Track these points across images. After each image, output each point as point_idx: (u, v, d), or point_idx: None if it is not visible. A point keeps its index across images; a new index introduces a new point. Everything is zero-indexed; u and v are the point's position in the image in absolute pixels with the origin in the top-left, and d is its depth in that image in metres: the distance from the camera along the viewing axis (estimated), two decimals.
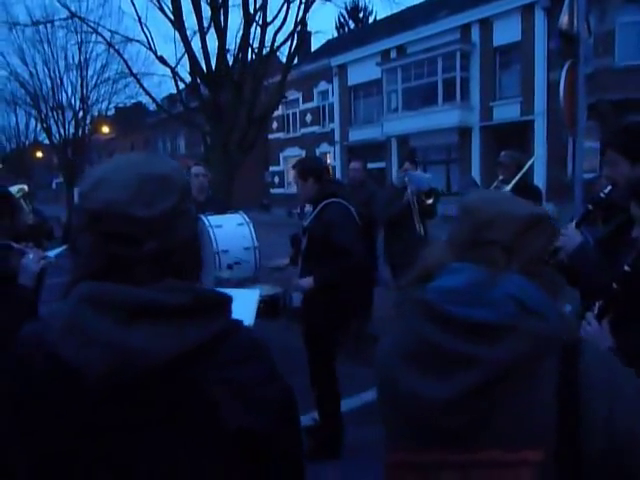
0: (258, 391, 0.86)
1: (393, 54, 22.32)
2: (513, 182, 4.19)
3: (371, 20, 35.58)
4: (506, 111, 18.53)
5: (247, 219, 4.37)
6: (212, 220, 4.21)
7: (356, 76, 24.19)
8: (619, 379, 0.88)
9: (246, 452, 0.86)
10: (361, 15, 37.96)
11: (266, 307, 3.30)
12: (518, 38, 17.91)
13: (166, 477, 0.82)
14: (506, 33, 18.18)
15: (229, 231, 4.19)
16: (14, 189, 4.77)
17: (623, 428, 0.84)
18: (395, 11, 16.95)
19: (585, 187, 4.91)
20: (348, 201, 3.39)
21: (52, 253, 2.17)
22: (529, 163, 4.51)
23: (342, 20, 37.79)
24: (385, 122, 21.92)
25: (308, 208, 3.58)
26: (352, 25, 37.51)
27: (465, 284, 0.94)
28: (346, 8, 35.66)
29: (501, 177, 4.46)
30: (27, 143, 35.82)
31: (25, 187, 4.75)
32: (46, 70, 26.19)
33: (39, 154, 36.33)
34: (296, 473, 0.97)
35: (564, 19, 5.22)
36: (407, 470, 0.97)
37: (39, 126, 29.77)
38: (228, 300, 0.90)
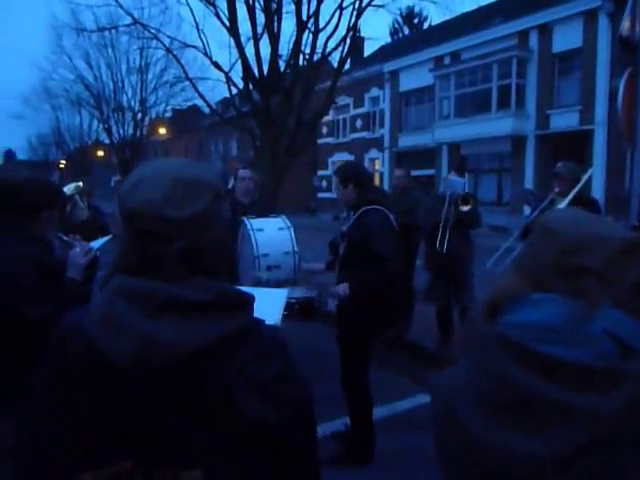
0: (276, 387, 0.90)
1: (447, 60, 22.02)
2: (571, 195, 4.02)
3: (426, 26, 35.23)
4: (564, 120, 17.88)
5: (288, 223, 4.42)
6: (254, 223, 4.29)
7: (408, 82, 24.01)
8: None
9: (261, 447, 0.90)
10: (416, 21, 37.67)
11: (301, 309, 3.33)
12: (579, 44, 17.26)
13: (177, 459, 0.87)
14: (567, 39, 17.56)
15: (270, 235, 4.25)
16: (70, 186, 5.02)
17: None
18: (450, 17, 16.65)
19: None
20: (389, 209, 3.38)
21: (96, 245, 2.25)
22: (587, 175, 4.31)
23: (397, 26, 37.64)
24: (436, 129, 21.64)
25: (344, 214, 3.59)
26: (407, 31, 37.28)
27: (556, 319, 0.81)
28: (401, 14, 35.45)
29: (557, 189, 4.27)
30: (89, 142, 37.73)
31: (80, 184, 4.99)
32: (109, 73, 27.55)
33: (100, 153, 38.13)
34: (310, 471, 1.00)
35: (625, 24, 5.00)
36: None
37: (101, 126, 31.28)
38: (251, 299, 0.95)
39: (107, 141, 31.88)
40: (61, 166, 41.73)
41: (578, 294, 0.83)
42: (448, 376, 0.93)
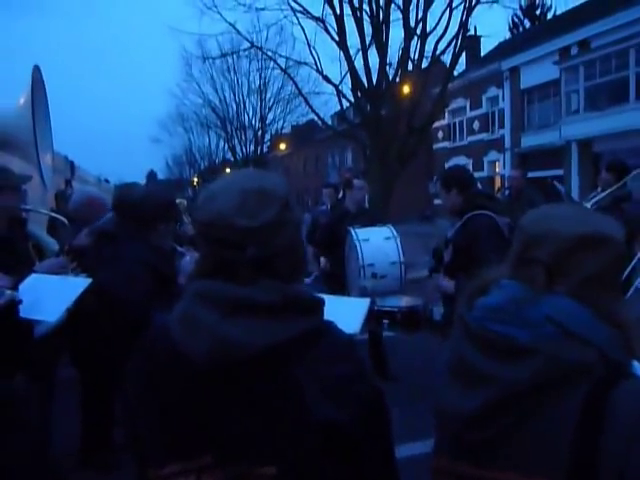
0: (346, 388, 0.92)
1: (574, 50, 20.27)
2: None
3: (549, 17, 32.86)
4: None
5: (395, 233, 4.36)
6: (360, 233, 4.30)
7: (530, 78, 22.51)
8: None
9: (335, 448, 0.91)
10: (538, 13, 35.29)
11: (404, 318, 3.26)
12: None
13: (251, 455, 0.91)
14: None
15: (376, 245, 4.23)
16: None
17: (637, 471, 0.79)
18: (576, 4, 15.33)
19: None
20: (497, 213, 3.19)
21: None
22: None
23: (516, 20, 35.57)
24: (564, 125, 19.97)
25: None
26: (527, 25, 35.07)
27: (503, 301, 0.94)
28: (520, 7, 33.44)
29: None
30: (217, 161, 40.83)
31: (184, 201, 5.42)
32: (232, 95, 29.59)
33: (227, 170, 41.02)
34: (387, 473, 1.00)
35: None
36: (443, 477, 1.01)
37: (226, 145, 33.69)
38: (320, 302, 0.98)
39: (232, 159, 34.24)
40: (194, 184, 45.63)
41: (527, 281, 0.94)
42: (444, 355, 1.05)
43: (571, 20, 20.47)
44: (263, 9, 12.58)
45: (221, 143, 37.36)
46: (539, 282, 0.93)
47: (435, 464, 1.05)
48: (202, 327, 0.91)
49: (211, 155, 41.14)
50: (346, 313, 1.03)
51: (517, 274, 0.98)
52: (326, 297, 1.00)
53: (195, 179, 46.47)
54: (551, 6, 34.54)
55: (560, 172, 20.27)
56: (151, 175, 67.46)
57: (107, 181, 17.30)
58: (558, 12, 28.99)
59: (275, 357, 0.90)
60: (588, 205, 4.35)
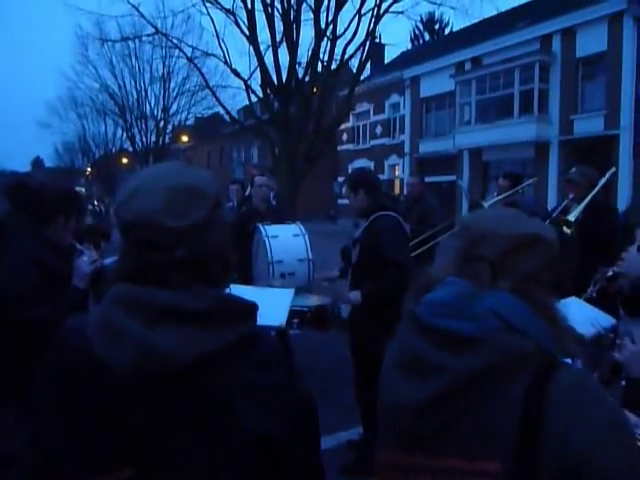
0: (276, 396, 0.89)
1: (468, 66, 21.83)
2: (585, 201, 3.90)
3: (447, 32, 35.05)
4: (588, 125, 17.52)
5: (303, 230, 4.42)
6: (269, 230, 4.30)
7: (429, 88, 23.87)
8: (588, 403, 0.90)
9: (263, 457, 0.88)
10: (436, 27, 37.51)
11: (314, 317, 3.31)
12: (604, 48, 16.91)
13: (178, 470, 0.86)
14: (591, 43, 17.22)
15: (285, 242, 4.25)
16: None
17: (578, 450, 0.85)
18: (470, 23, 16.53)
19: None
20: (401, 215, 3.35)
21: (108, 261, 2.25)
22: (604, 180, 4.17)
23: (417, 32, 37.53)
24: (457, 134, 21.44)
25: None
26: (427, 37, 37.14)
27: (450, 297, 0.97)
28: (421, 20, 35.38)
29: (571, 196, 4.18)
30: (114, 150, 38.53)
31: (83, 190, 5.06)
32: (133, 82, 28.10)
33: (124, 160, 38.85)
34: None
35: None
36: (392, 471, 1.03)
37: (124, 135, 31.91)
38: (253, 307, 0.93)
39: (131, 149, 32.50)
40: (87, 173, 42.67)
41: (473, 278, 0.99)
42: (390, 350, 1.07)
43: (466, 37, 21.99)
44: None
45: (119, 132, 35.34)
46: (484, 278, 0.98)
47: (384, 460, 1.06)
48: (126, 335, 0.83)
49: (107, 144, 38.72)
50: (271, 305, 1.02)
51: (462, 271, 1.02)
52: (250, 289, 0.98)
53: (89, 169, 43.49)
54: (449, 22, 36.84)
55: (453, 177, 21.72)
56: (37, 162, 61.86)
57: None
58: (455, 28, 30.98)
59: (205, 368, 0.84)
60: (486, 205, 4.88)
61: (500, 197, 4.91)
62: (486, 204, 4.93)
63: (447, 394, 0.93)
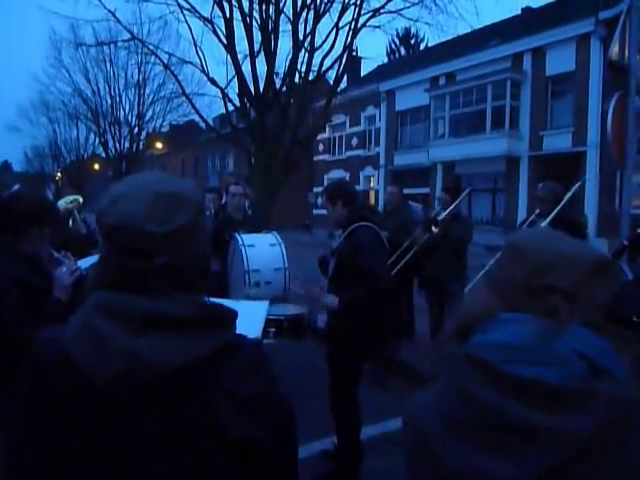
0: (258, 403, 0.89)
1: (442, 81, 22.30)
2: (550, 216, 4.02)
3: (422, 47, 35.76)
4: (557, 141, 18.07)
5: (279, 240, 4.42)
6: (245, 239, 4.29)
7: (404, 102, 24.26)
8: None
9: (244, 464, 0.88)
10: (412, 42, 38.24)
11: (290, 327, 3.30)
12: (572, 68, 17.53)
13: (160, 476, 0.85)
14: (560, 62, 17.84)
15: (261, 251, 4.25)
16: (68, 199, 4.91)
17: None
18: (445, 39, 16.93)
19: (633, 223, 4.70)
20: (379, 225, 3.38)
21: (84, 264, 2.20)
22: (569, 195, 4.30)
23: (393, 47, 38.18)
24: (431, 148, 21.82)
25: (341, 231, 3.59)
26: (403, 52, 37.82)
27: (524, 339, 0.80)
28: (397, 35, 36.01)
29: (537, 211, 4.30)
30: (86, 156, 37.79)
31: (80, 198, 4.92)
32: (107, 88, 27.71)
33: (96, 166, 38.14)
34: None
35: (614, 49, 5.10)
36: None
37: (97, 140, 31.35)
38: (233, 315, 0.93)
39: (104, 155, 31.96)
40: (57, 179, 41.72)
41: (546, 313, 0.82)
42: (419, 401, 0.88)
43: (441, 53, 22.47)
44: (147, 0, 11.97)
45: (92, 137, 34.72)
46: (563, 313, 0.82)
47: None
48: (108, 344, 0.82)
49: (79, 149, 37.96)
50: (246, 317, 1.00)
51: (522, 305, 0.85)
52: (226, 302, 0.97)
53: (59, 174, 42.54)
54: (424, 37, 37.61)
55: (427, 190, 22.04)
56: (5, 167, 60.29)
57: None
58: (430, 44, 31.64)
59: (190, 376, 0.85)
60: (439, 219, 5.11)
61: (445, 212, 5.05)
62: (439, 218, 5.04)
63: (563, 464, 0.73)
